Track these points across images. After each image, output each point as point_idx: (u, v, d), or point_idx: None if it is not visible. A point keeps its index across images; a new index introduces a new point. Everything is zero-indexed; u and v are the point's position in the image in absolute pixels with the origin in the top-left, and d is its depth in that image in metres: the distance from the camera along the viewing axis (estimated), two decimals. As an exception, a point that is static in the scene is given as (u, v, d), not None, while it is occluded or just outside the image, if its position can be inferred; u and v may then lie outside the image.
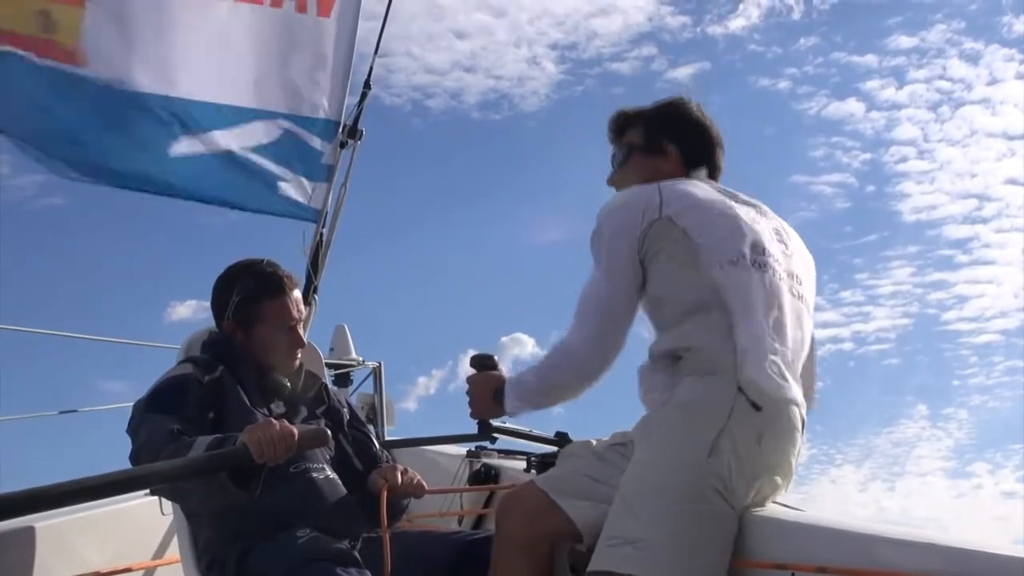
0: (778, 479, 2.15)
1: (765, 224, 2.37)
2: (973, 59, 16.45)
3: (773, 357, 2.14)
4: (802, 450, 2.22)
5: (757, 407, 2.08)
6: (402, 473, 2.57)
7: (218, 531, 2.38)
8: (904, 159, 16.31)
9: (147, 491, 2.72)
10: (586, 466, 2.30)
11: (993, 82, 16.12)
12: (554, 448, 3.04)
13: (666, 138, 2.50)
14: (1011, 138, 16.32)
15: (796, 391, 2.18)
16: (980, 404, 16.27)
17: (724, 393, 2.09)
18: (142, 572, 2.89)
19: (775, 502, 2.17)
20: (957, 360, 16.35)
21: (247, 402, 2.51)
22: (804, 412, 2.21)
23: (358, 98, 4.07)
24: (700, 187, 2.36)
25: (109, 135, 3.65)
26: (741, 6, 16.40)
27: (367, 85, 4.14)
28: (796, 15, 15.91)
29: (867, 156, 16.54)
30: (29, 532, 2.51)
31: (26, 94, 3.53)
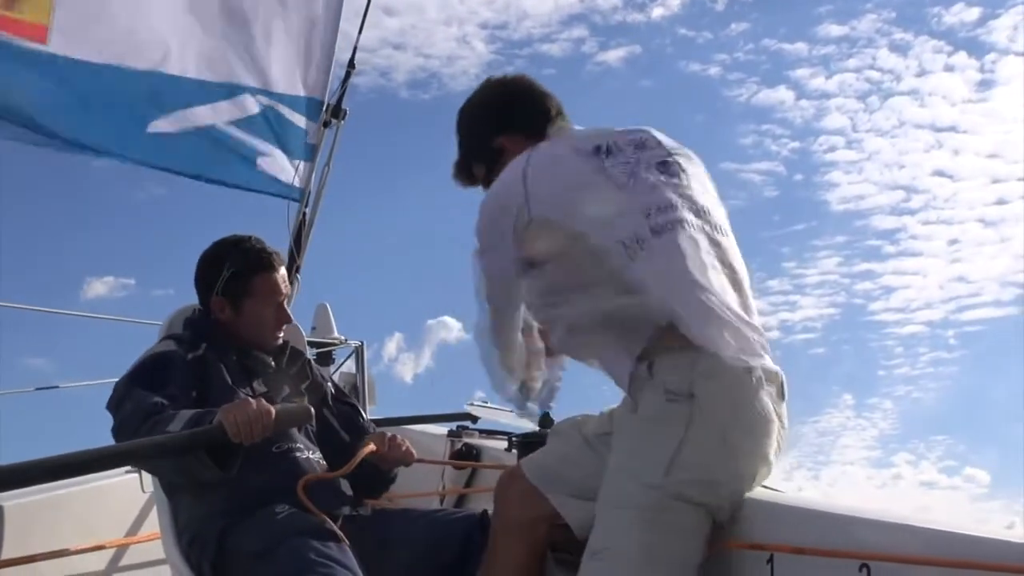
0: (756, 471, 2.04)
1: (648, 162, 2.17)
2: (903, 50, 16.57)
3: (728, 332, 1.98)
4: (786, 421, 2.06)
5: (716, 405, 1.96)
6: (390, 439, 2.55)
7: (200, 509, 2.37)
8: (833, 148, 16.41)
9: (127, 468, 2.73)
10: (575, 453, 2.24)
11: (922, 73, 16.25)
12: (535, 428, 3.04)
13: (492, 136, 2.36)
14: (939, 130, 16.49)
15: (759, 358, 2.01)
16: (905, 395, 16.43)
17: (681, 402, 1.96)
18: (115, 550, 2.88)
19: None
20: (883, 351, 16.48)
21: (229, 381, 2.50)
22: (782, 380, 2.07)
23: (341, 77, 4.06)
24: (562, 162, 2.17)
25: (81, 112, 3.58)
26: (662, -8, 16.32)
27: (351, 64, 4.12)
28: (720, 6, 15.85)
29: (796, 144, 16.62)
30: None
31: None
